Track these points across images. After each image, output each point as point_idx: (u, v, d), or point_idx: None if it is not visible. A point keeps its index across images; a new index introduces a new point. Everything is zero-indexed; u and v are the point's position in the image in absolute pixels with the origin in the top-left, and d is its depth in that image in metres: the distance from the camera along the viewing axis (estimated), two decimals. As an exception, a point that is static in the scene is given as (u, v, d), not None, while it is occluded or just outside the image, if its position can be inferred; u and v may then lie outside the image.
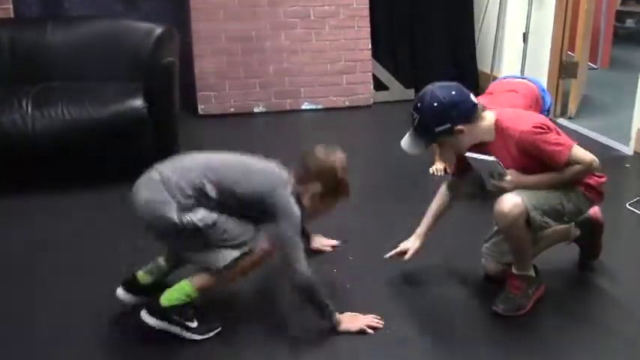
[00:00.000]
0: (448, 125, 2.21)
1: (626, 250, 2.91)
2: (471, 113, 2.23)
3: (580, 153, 2.22)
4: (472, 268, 2.58)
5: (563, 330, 2.24)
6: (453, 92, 2.23)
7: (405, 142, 2.33)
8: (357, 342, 2.17)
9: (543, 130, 2.19)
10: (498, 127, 2.25)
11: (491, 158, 2.19)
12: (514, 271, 2.35)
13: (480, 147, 2.27)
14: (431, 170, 3.72)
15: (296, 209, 2.18)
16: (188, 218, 2.07)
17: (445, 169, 3.65)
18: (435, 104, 2.20)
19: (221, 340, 2.18)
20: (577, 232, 2.59)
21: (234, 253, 2.13)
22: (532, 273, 2.37)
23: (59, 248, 2.85)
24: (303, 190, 2.27)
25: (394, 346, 2.16)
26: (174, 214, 2.06)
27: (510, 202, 2.16)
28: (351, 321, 2.22)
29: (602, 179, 2.35)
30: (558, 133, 2.24)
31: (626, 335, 2.21)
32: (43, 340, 2.20)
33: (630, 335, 2.22)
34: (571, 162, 2.20)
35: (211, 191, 2.12)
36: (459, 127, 2.21)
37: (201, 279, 2.18)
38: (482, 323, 2.29)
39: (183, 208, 2.08)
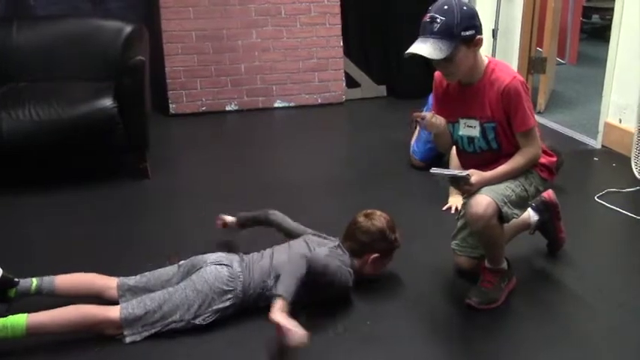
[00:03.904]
0: (473, 32, 2.14)
1: (595, 242, 2.95)
2: (482, 31, 2.21)
3: (537, 134, 2.28)
4: (443, 262, 2.60)
5: (531, 323, 2.26)
6: (473, 7, 2.22)
7: (423, 47, 2.13)
8: (329, 340, 2.17)
9: (526, 89, 2.25)
10: (488, 70, 2.25)
11: (461, 173, 2.21)
12: (487, 265, 2.38)
13: (466, 88, 2.28)
14: (448, 207, 3.18)
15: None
16: None
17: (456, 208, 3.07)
18: (465, 8, 2.15)
19: (203, 339, 2.17)
20: (535, 218, 2.63)
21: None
22: (505, 266, 2.40)
23: (30, 249, 2.81)
24: (362, 261, 2.41)
25: (368, 343, 2.16)
26: None
27: (483, 203, 2.16)
28: (286, 320, 1.98)
29: (554, 159, 2.40)
30: None
31: (587, 327, 2.25)
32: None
33: (588, 326, 2.26)
34: (529, 135, 2.24)
35: None
36: (480, 36, 2.17)
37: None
38: (455, 317, 2.31)
39: None
